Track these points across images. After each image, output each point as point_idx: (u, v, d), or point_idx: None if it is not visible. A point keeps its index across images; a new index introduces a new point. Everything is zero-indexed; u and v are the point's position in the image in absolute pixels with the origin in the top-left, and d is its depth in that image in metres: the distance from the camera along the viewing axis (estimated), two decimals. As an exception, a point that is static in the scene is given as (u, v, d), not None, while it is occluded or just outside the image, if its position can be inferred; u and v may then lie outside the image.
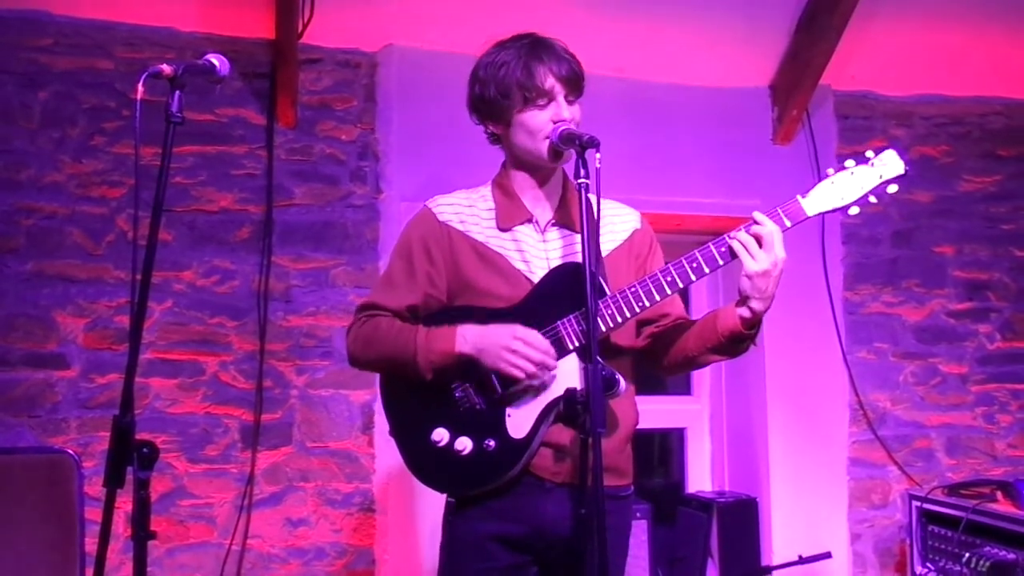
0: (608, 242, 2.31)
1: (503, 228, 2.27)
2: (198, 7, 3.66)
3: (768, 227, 2.12)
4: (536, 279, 2.21)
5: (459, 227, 2.28)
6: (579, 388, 2.04)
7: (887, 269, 4.42)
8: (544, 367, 2.10)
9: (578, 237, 2.19)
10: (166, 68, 1.87)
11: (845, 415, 4.30)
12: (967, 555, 3.53)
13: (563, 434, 2.15)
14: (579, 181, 2.02)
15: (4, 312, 3.46)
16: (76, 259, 3.54)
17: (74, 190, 3.56)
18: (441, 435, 2.17)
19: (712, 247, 2.17)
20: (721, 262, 2.18)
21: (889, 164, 2.19)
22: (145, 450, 1.79)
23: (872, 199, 2.20)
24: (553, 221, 2.29)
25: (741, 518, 4.00)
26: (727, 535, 3.94)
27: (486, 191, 2.36)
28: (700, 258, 2.16)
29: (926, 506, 3.88)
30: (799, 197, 2.19)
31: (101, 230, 3.57)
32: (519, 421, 2.15)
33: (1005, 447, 4.48)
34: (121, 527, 3.30)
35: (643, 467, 4.74)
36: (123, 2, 3.60)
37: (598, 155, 2.04)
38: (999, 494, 3.69)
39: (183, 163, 3.64)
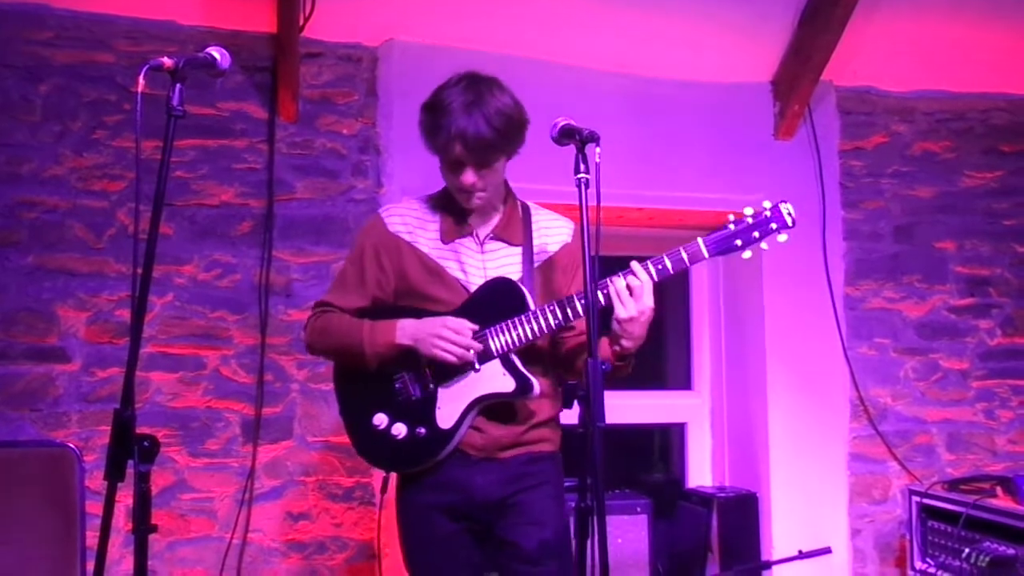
0: (540, 253, 2.53)
1: (445, 241, 2.51)
2: (200, 0, 3.66)
3: (639, 279, 2.30)
4: (473, 288, 2.45)
5: (407, 238, 2.52)
6: (512, 389, 2.37)
7: (888, 264, 4.42)
8: (470, 349, 2.35)
9: (514, 250, 2.49)
10: (167, 61, 1.87)
11: (846, 410, 4.30)
12: (967, 550, 3.53)
13: (485, 423, 2.44)
14: (579, 176, 2.05)
15: (5, 306, 3.46)
16: (77, 253, 3.54)
17: (75, 184, 3.56)
18: (381, 420, 2.46)
19: (600, 287, 2.32)
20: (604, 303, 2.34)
21: (781, 217, 2.38)
22: (146, 444, 1.79)
23: (764, 246, 2.38)
24: (492, 235, 2.51)
25: (741, 513, 4.01)
26: (727, 530, 3.94)
27: (435, 202, 2.59)
28: (611, 283, 2.33)
29: (926, 501, 3.88)
30: (700, 240, 2.35)
31: (102, 224, 3.57)
32: (447, 413, 2.41)
33: (1005, 443, 4.48)
34: (122, 521, 3.31)
35: (643, 462, 4.75)
36: (124, -5, 3.60)
37: (598, 150, 2.06)
38: (999, 490, 3.70)
39: (184, 157, 3.64)
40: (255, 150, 3.75)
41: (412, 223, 2.54)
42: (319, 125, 3.82)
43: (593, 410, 1.95)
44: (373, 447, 2.50)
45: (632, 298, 2.29)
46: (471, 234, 2.51)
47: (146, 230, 1.85)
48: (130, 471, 1.78)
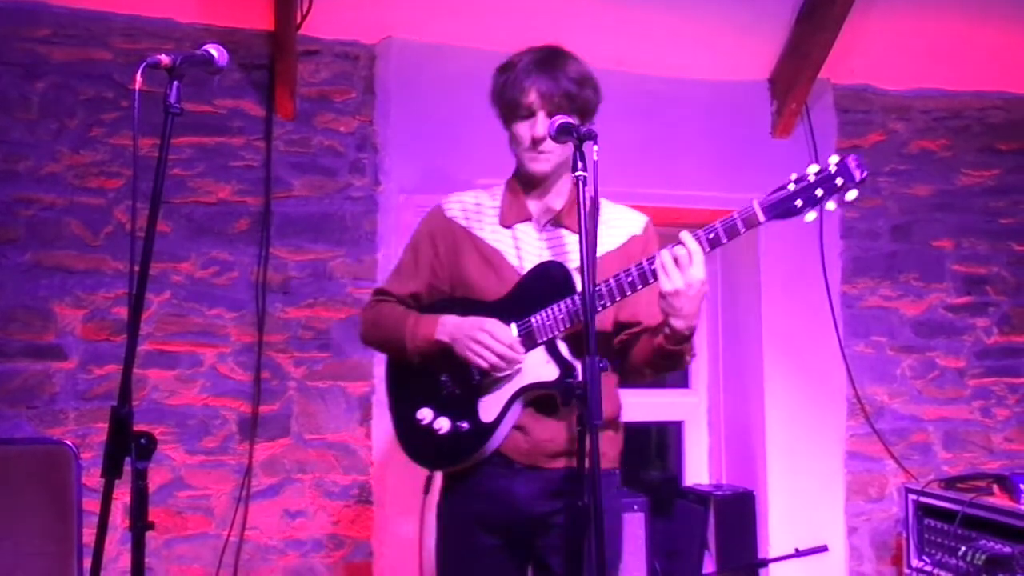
0: (603, 245, 2.37)
1: (505, 225, 2.42)
2: (197, -2, 3.66)
3: (687, 248, 2.15)
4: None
5: (463, 223, 2.45)
6: (559, 377, 2.26)
7: (885, 263, 4.43)
8: (504, 359, 2.26)
9: (575, 237, 2.30)
10: (164, 59, 1.86)
11: (842, 408, 4.31)
12: (963, 548, 3.54)
13: (532, 419, 2.32)
14: (577, 174, 2.04)
15: (2, 303, 3.46)
16: (74, 250, 3.54)
17: (72, 181, 3.55)
18: (425, 415, 2.38)
19: (649, 262, 2.21)
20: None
21: (849, 170, 2.18)
22: (143, 441, 1.79)
23: (831, 205, 2.20)
24: (553, 221, 2.40)
25: (738, 511, 4.01)
26: (724, 528, 3.94)
27: (498, 190, 2.50)
28: (646, 265, 2.21)
29: (923, 499, 3.88)
30: (755, 202, 2.19)
31: (99, 221, 3.57)
32: (490, 406, 2.32)
33: (1002, 441, 4.49)
34: (119, 518, 3.30)
35: (640, 460, 4.75)
36: (121, -8, 3.60)
37: (596, 147, 2.06)
38: (995, 488, 3.70)
39: (181, 154, 3.64)
40: (252, 148, 3.75)
41: (471, 209, 2.47)
42: (316, 123, 3.82)
43: (591, 408, 1.93)
44: (417, 443, 2.41)
45: (678, 269, 2.13)
46: (530, 218, 2.41)
47: (143, 227, 1.85)
48: (127, 468, 1.78)
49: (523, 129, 2.33)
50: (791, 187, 2.20)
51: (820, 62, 4.04)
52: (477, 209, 2.47)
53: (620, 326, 2.42)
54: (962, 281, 4.51)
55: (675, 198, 4.12)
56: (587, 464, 1.96)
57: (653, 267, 2.18)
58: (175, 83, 1.87)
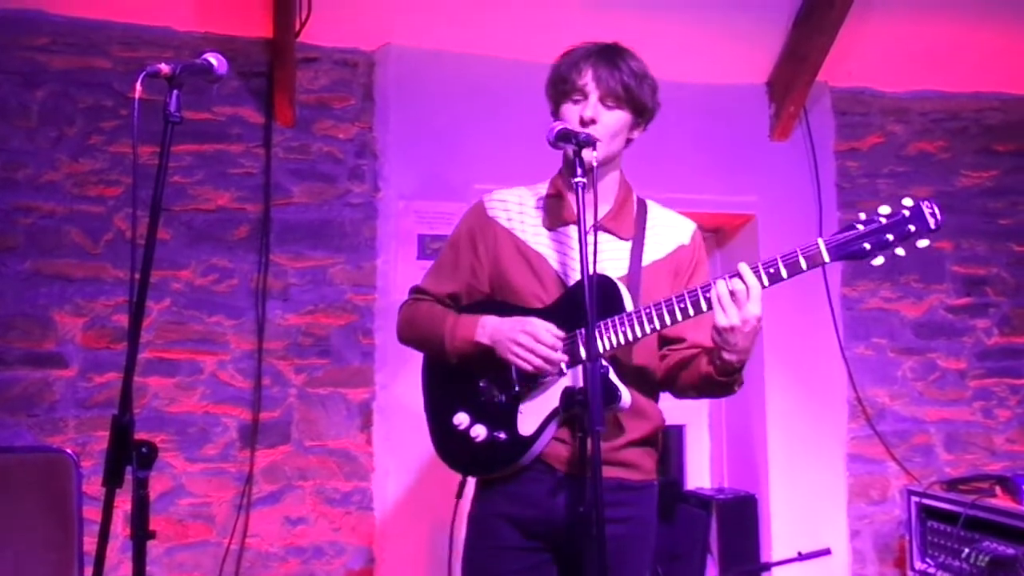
0: (651, 252, 2.32)
1: (549, 227, 2.33)
2: (195, 6, 3.66)
3: (746, 282, 2.06)
4: (571, 282, 2.26)
5: (505, 224, 2.35)
6: (578, 386, 2.11)
7: (885, 265, 4.38)
8: (549, 361, 2.15)
9: (622, 244, 2.28)
10: (164, 67, 1.86)
11: (844, 411, 4.30)
12: (966, 550, 3.53)
13: (573, 431, 2.21)
14: (576, 180, 2.03)
15: (2, 311, 3.46)
16: (74, 258, 3.54)
17: (72, 189, 3.56)
18: (461, 420, 2.28)
19: (703, 290, 2.13)
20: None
21: (922, 217, 2.11)
22: (144, 449, 1.78)
23: (900, 251, 2.13)
24: (599, 225, 2.24)
25: (740, 515, 4.01)
26: (726, 532, 3.94)
27: (543, 188, 2.41)
28: (714, 285, 2.11)
29: (925, 501, 3.88)
30: (820, 241, 2.10)
31: (99, 229, 3.57)
32: (529, 419, 2.22)
33: (1004, 442, 4.49)
34: (120, 526, 3.30)
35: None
36: (120, 1, 3.60)
37: (594, 153, 2.04)
38: (998, 489, 3.70)
39: (181, 162, 3.64)
40: (252, 155, 3.75)
41: (513, 208, 2.37)
42: (316, 130, 3.83)
43: (592, 414, 1.90)
44: (451, 447, 2.33)
45: (735, 304, 2.05)
46: (575, 221, 2.21)
47: (143, 235, 1.85)
48: (128, 476, 1.78)
49: (571, 111, 2.24)
50: (860, 227, 2.12)
51: (818, 65, 4.05)
52: (520, 209, 2.37)
53: (664, 341, 2.35)
54: (962, 282, 4.51)
55: (674, 201, 4.03)
56: (590, 470, 1.93)
57: (708, 295, 2.09)
58: (174, 91, 1.87)
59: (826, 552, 3.88)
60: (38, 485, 2.76)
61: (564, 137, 2.11)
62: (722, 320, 2.06)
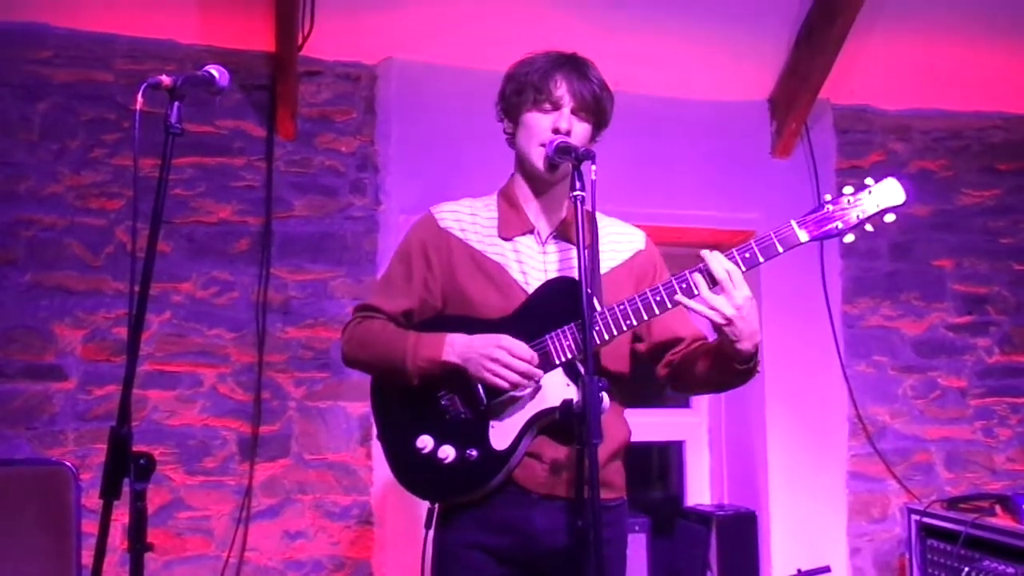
0: (608, 260, 2.29)
1: (504, 237, 2.27)
2: (198, 19, 3.67)
3: (725, 270, 2.06)
4: (532, 291, 2.21)
5: (459, 235, 2.28)
6: (576, 400, 2.02)
7: (886, 282, 4.42)
8: (527, 377, 2.10)
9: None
10: (166, 79, 1.86)
11: (844, 428, 4.29)
12: (966, 569, 3.52)
13: (548, 446, 2.16)
14: (575, 194, 2.02)
15: (2, 324, 3.46)
16: (75, 271, 3.54)
17: (73, 202, 3.56)
18: (425, 442, 2.17)
19: (678, 280, 2.13)
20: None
21: (888, 192, 2.15)
22: (142, 462, 1.78)
23: (868, 227, 2.16)
24: (554, 234, 2.28)
25: (740, 531, 3.99)
26: (726, 548, 3.93)
27: (491, 200, 2.36)
28: (690, 279, 2.11)
29: (925, 520, 3.87)
30: (793, 222, 2.13)
31: (100, 242, 3.57)
32: (502, 432, 2.14)
33: (1004, 461, 4.48)
34: (118, 539, 3.28)
35: (641, 480, 4.74)
36: (123, 14, 3.61)
37: (594, 167, 2.03)
38: (998, 508, 3.69)
39: (182, 175, 3.64)
40: (253, 168, 3.76)
41: (466, 219, 2.30)
42: (317, 143, 3.83)
43: (589, 428, 1.87)
44: (417, 474, 2.20)
45: (724, 295, 2.04)
46: (532, 231, 2.26)
47: (144, 248, 1.85)
48: (126, 489, 1.77)
49: (541, 120, 2.20)
50: (828, 207, 2.16)
51: (819, 84, 4.06)
52: (473, 220, 2.31)
53: (663, 347, 2.33)
54: (963, 301, 4.51)
55: (676, 217, 4.13)
56: (585, 484, 1.91)
57: (683, 284, 2.09)
58: (176, 104, 1.87)
59: (826, 570, 3.87)
60: (37, 498, 2.76)
61: (563, 152, 2.11)
62: (717, 318, 2.05)
